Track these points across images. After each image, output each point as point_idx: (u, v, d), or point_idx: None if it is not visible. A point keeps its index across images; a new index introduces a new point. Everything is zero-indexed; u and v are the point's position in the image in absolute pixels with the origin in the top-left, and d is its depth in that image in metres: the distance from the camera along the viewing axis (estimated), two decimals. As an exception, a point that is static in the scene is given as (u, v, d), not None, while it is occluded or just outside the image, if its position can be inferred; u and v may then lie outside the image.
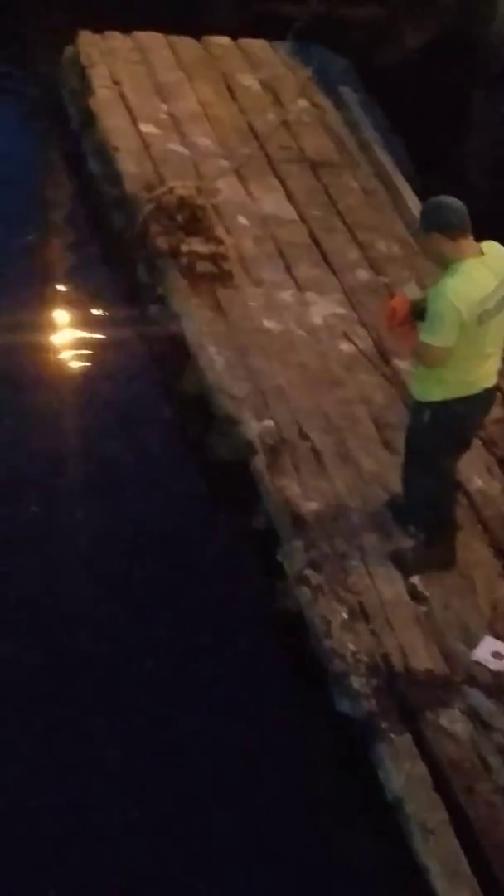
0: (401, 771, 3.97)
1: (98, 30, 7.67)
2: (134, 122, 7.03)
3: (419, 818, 3.86)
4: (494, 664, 4.33)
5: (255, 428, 5.15)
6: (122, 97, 7.22)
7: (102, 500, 5.02)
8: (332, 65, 7.93)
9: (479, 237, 4.21)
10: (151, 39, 7.80)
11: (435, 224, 4.14)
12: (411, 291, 5.67)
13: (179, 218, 6.20)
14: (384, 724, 4.08)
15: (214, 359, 5.50)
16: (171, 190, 6.29)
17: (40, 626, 4.46)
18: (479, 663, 4.33)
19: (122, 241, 6.37)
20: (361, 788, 4.06)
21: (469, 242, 4.15)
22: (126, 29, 7.73)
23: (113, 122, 7.00)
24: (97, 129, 7.02)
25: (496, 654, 4.36)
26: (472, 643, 4.39)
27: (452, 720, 4.13)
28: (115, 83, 7.31)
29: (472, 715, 4.15)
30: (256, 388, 5.35)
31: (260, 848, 3.93)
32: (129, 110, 7.12)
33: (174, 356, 5.67)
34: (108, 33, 7.72)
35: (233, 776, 4.11)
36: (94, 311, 6.03)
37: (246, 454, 5.09)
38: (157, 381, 5.74)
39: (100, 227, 6.65)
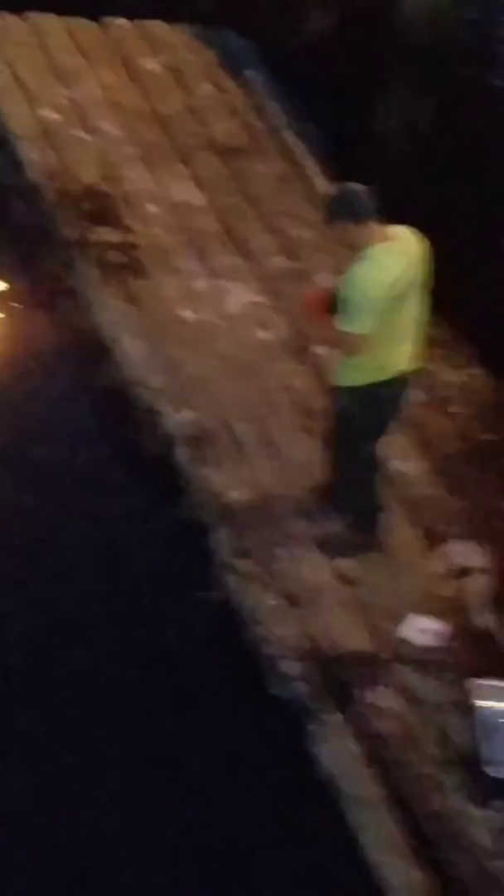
0: (334, 749, 4.06)
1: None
2: (33, 107, 6.87)
3: (353, 793, 3.95)
4: (421, 640, 4.43)
5: (175, 419, 5.16)
6: (19, 81, 7.02)
7: (25, 497, 4.96)
8: (237, 48, 7.89)
9: (394, 221, 4.27)
10: (48, 22, 7.59)
11: (341, 212, 4.21)
12: (327, 279, 5.72)
13: (86, 207, 6.13)
14: (316, 705, 4.17)
15: (130, 351, 5.47)
16: (76, 178, 6.20)
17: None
18: (405, 640, 4.43)
19: (27, 232, 6.26)
20: (301, 768, 4.12)
21: (377, 227, 4.21)
22: (17, 10, 7.51)
23: (11, 107, 6.83)
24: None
25: (423, 631, 4.46)
26: (399, 621, 4.49)
27: (383, 697, 4.23)
28: (10, 67, 7.10)
29: (402, 690, 4.26)
30: (175, 379, 5.35)
31: (205, 834, 3.97)
32: (28, 95, 6.95)
33: (89, 349, 5.61)
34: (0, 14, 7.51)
35: (174, 764, 4.14)
36: (1, 306, 5.92)
37: (168, 446, 5.10)
38: (73, 375, 5.65)
39: (3, 217, 6.47)
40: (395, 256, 4.21)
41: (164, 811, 4.00)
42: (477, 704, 4.20)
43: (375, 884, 3.77)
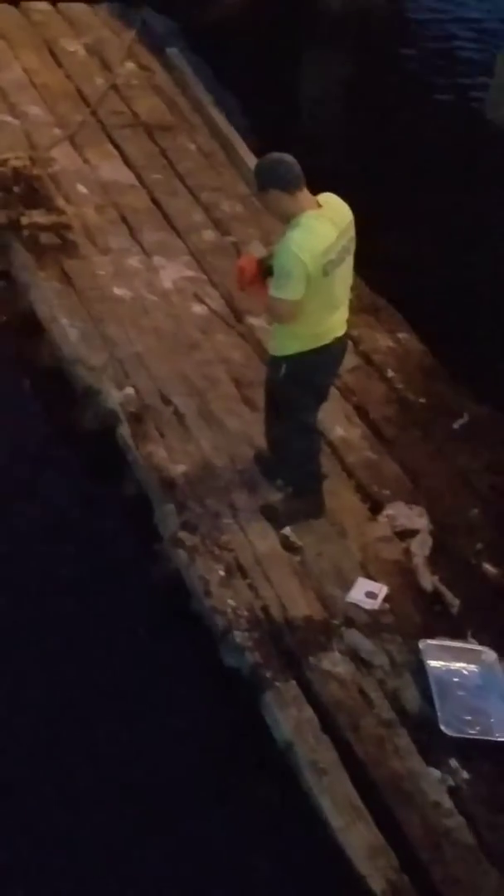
0: (288, 716, 4.08)
1: None
2: (-44, 94, 6.84)
3: (310, 759, 3.97)
4: (369, 604, 4.47)
5: (116, 397, 5.14)
6: None
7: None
8: (156, 25, 7.86)
9: (318, 189, 4.27)
10: (-32, 9, 7.58)
11: (271, 181, 4.20)
12: (257, 249, 5.74)
13: (16, 190, 6.08)
14: (269, 674, 4.18)
15: (68, 331, 5.44)
16: (4, 162, 6.16)
17: None
18: (354, 605, 4.46)
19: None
20: (258, 739, 4.14)
21: (306, 195, 4.21)
22: None
23: None
24: None
25: (370, 594, 4.50)
26: (347, 586, 4.53)
27: (334, 662, 4.25)
28: None
29: (353, 655, 4.29)
30: (114, 357, 5.33)
31: (162, 804, 3.99)
32: (-51, 82, 6.92)
33: (27, 331, 5.58)
34: None
35: (128, 736, 4.14)
36: None
37: (110, 423, 5.08)
38: (11, 356, 5.61)
39: None
40: (326, 223, 4.22)
41: (118, 782, 4.01)
42: (429, 665, 4.25)
43: (334, 846, 3.81)
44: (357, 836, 3.80)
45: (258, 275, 4.38)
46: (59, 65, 7.38)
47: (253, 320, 5.58)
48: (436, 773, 4.00)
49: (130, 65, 7.47)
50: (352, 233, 4.31)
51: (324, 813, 3.87)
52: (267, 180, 4.22)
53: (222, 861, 3.88)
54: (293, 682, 4.18)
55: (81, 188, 6.34)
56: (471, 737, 4.10)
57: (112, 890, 3.76)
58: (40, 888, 3.73)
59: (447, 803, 3.92)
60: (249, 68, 7.03)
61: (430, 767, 4.00)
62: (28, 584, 4.57)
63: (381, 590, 4.52)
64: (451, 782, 3.98)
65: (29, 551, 4.69)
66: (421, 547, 4.71)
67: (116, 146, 6.74)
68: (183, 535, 4.60)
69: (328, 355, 4.48)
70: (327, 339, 4.42)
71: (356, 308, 4.59)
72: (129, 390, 5.17)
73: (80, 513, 4.88)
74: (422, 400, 5.44)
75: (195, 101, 7.21)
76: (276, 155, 4.25)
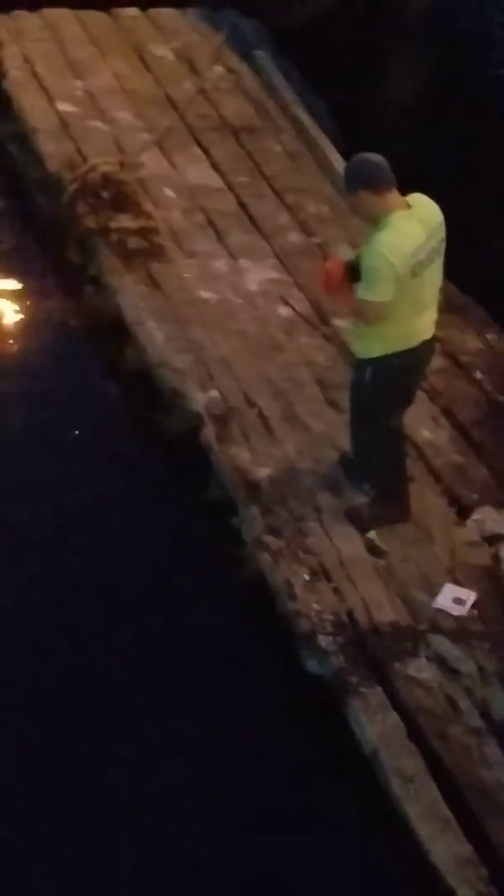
0: (374, 722, 4.04)
1: (3, 9, 7.53)
2: (50, 101, 6.95)
3: (396, 767, 3.93)
4: (456, 610, 4.40)
5: (200, 399, 5.15)
6: (36, 76, 7.12)
7: (53, 485, 4.99)
8: (245, 28, 7.88)
9: (406, 190, 4.23)
10: (59, 15, 7.69)
11: (360, 181, 4.16)
12: (343, 252, 5.70)
13: (105, 195, 6.15)
14: (354, 679, 4.14)
15: (154, 333, 5.48)
16: (93, 167, 6.23)
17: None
18: (441, 610, 4.40)
19: (50, 223, 6.30)
20: (339, 746, 4.10)
21: (395, 196, 4.18)
22: (32, 7, 7.60)
23: (29, 102, 6.91)
24: (13, 111, 6.92)
25: (457, 600, 4.43)
26: (434, 591, 4.46)
27: (420, 669, 4.20)
28: (28, 63, 7.21)
29: (439, 662, 4.22)
30: (199, 360, 5.35)
31: (243, 809, 3.97)
32: (45, 90, 7.03)
33: (113, 335, 5.64)
34: (14, 12, 7.60)
35: (211, 742, 4.14)
36: (28, 298, 5.97)
37: (194, 426, 5.10)
38: (98, 361, 5.70)
39: (26, 212, 6.55)
40: (416, 224, 4.17)
41: (201, 791, 4.00)
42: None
43: (420, 855, 3.75)
44: (445, 847, 3.75)
45: (344, 277, 4.35)
46: (148, 69, 7.45)
47: (338, 322, 5.54)
48: (526, 784, 3.91)
49: (219, 68, 7.49)
50: (442, 234, 4.25)
51: (410, 822, 3.82)
52: (355, 181, 4.18)
53: (305, 871, 3.84)
54: (379, 689, 4.14)
55: (169, 192, 6.39)
56: None
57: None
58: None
59: (537, 816, 3.83)
60: (337, 70, 6.99)
61: (520, 778, 3.92)
62: (114, 582, 4.61)
63: (470, 596, 4.45)
64: (538, 792, 3.89)
65: (116, 552, 4.73)
66: (510, 552, 4.61)
67: (204, 149, 6.77)
68: (267, 538, 4.59)
69: (415, 358, 4.42)
70: (415, 342, 4.36)
71: (444, 308, 4.51)
72: (214, 393, 5.18)
73: (165, 515, 4.90)
74: (513, 402, 5.34)
75: (282, 103, 7.20)
76: (365, 155, 4.21)
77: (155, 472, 5.12)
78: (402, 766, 3.92)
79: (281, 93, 7.27)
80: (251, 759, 4.11)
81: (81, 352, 5.74)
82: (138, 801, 3.95)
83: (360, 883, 3.82)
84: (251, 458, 4.90)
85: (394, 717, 4.06)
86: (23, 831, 3.83)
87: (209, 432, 5.02)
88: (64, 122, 6.78)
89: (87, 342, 5.78)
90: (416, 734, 4.02)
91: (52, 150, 6.53)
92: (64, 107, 6.88)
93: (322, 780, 4.08)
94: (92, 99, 7.05)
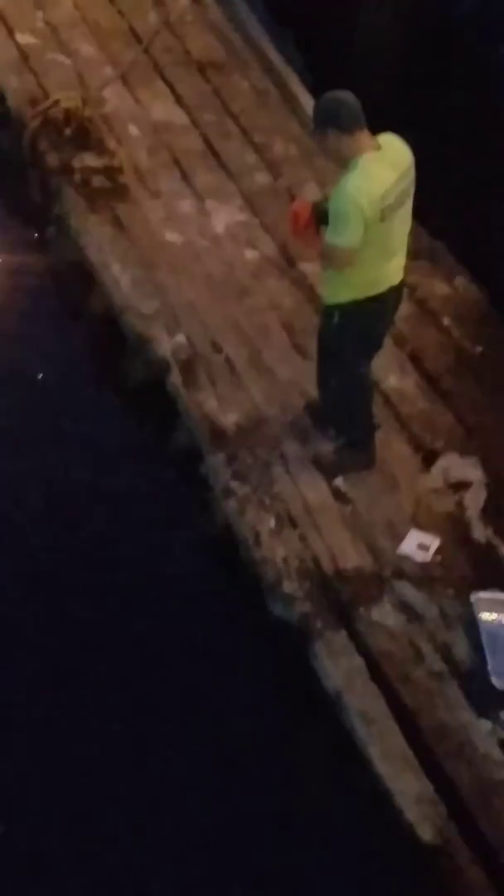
0: (338, 666, 4.09)
1: None
2: (10, 33, 6.73)
3: (359, 709, 3.99)
4: (421, 556, 4.44)
5: (167, 344, 5.10)
6: (-4, 8, 6.90)
7: (16, 423, 4.93)
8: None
9: (377, 129, 4.13)
10: None
11: (330, 121, 4.04)
12: (311, 193, 5.62)
13: (68, 132, 6.00)
14: (319, 624, 4.19)
15: (119, 277, 5.40)
16: (56, 103, 6.06)
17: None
18: (406, 556, 4.44)
19: (11, 160, 6.14)
20: (305, 688, 4.16)
21: (366, 136, 4.07)
22: None
23: (-11, 35, 6.70)
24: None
25: (422, 546, 4.47)
26: (398, 538, 4.49)
27: (384, 614, 4.25)
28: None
29: (403, 607, 4.28)
30: (165, 304, 5.28)
31: (211, 753, 4.03)
32: (4, 20, 6.80)
33: (77, 278, 5.54)
34: None
35: (179, 686, 4.19)
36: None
37: (160, 372, 5.05)
38: (63, 303, 5.60)
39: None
40: (386, 166, 4.07)
41: (170, 733, 4.06)
42: (481, 618, 4.21)
43: (383, 794, 3.83)
44: (406, 785, 3.84)
45: (312, 220, 4.27)
46: (111, 1, 7.23)
47: (306, 266, 5.48)
48: (486, 724, 4.00)
49: (184, 0, 7.28)
50: (412, 176, 4.16)
51: (372, 761, 3.89)
52: (325, 120, 4.06)
53: (269, 808, 3.92)
54: (343, 633, 4.19)
55: (133, 129, 6.24)
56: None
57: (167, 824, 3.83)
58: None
59: (497, 755, 3.93)
60: (304, 4, 6.81)
61: (480, 719, 4.00)
62: (78, 531, 4.59)
63: (434, 542, 4.49)
64: (501, 734, 3.99)
65: (80, 499, 4.71)
66: (474, 499, 4.65)
67: (169, 85, 6.61)
68: (233, 485, 4.58)
69: (383, 304, 4.38)
70: (383, 288, 4.31)
71: (413, 253, 4.46)
72: (180, 338, 5.13)
73: (131, 461, 4.88)
74: (478, 349, 5.33)
75: (249, 38, 7.02)
76: (336, 93, 4.08)
77: (120, 417, 5.08)
78: (365, 708, 3.99)
79: (248, 27, 7.08)
80: (221, 697, 4.16)
81: (45, 294, 5.62)
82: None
83: (328, 818, 3.91)
84: (217, 405, 4.87)
85: (358, 660, 4.12)
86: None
87: (176, 378, 4.98)
88: (24, 55, 6.58)
89: (50, 285, 5.66)
90: (379, 677, 4.08)
91: (13, 83, 6.35)
92: (24, 39, 6.69)
93: (292, 719, 4.14)
94: (53, 31, 6.84)
